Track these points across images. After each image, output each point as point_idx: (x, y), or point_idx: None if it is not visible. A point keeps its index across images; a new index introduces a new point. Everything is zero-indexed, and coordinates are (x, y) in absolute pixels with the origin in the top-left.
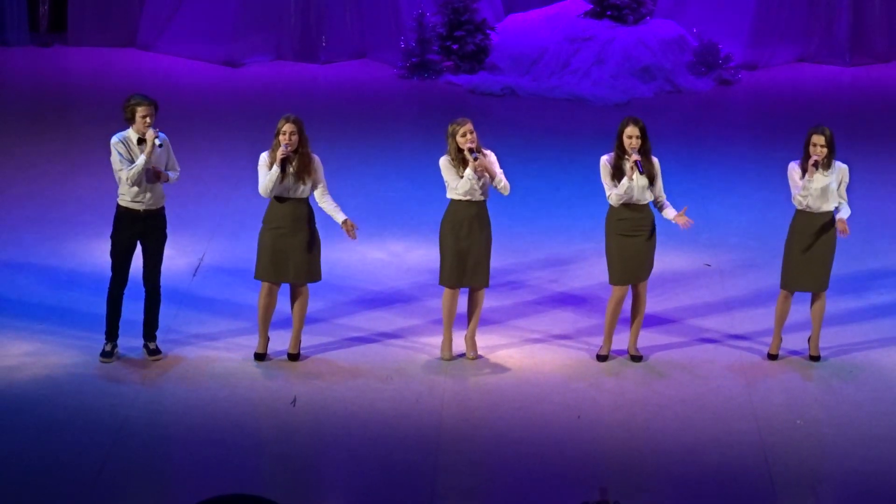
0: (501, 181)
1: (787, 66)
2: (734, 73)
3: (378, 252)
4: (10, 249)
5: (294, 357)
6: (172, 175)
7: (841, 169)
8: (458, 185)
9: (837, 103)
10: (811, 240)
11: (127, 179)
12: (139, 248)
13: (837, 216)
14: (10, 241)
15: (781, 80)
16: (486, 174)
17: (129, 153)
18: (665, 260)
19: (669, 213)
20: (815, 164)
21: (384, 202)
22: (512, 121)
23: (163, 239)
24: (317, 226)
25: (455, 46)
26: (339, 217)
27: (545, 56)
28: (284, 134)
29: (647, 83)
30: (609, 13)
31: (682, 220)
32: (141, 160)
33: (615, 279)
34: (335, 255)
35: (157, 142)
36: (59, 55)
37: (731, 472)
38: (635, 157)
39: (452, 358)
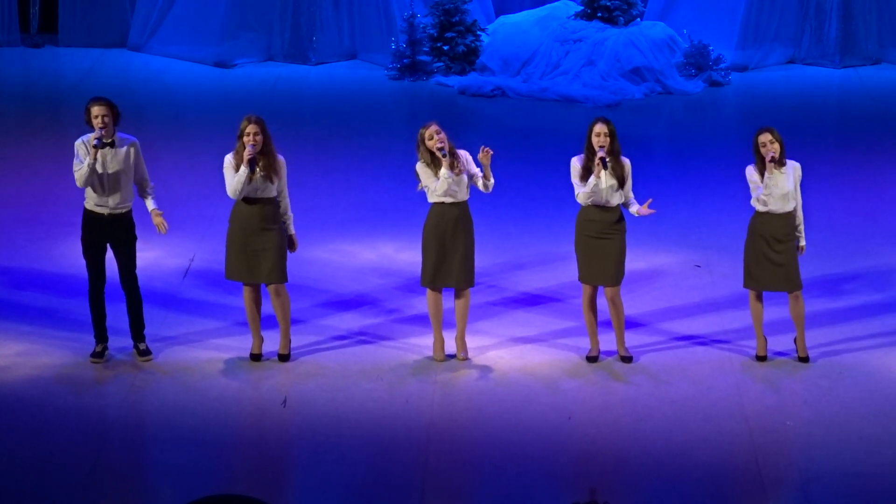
0: (490, 179)
1: (777, 67)
2: (725, 74)
3: (368, 253)
4: (1, 250)
5: (284, 358)
6: (151, 204)
7: (795, 167)
8: (436, 186)
9: (827, 105)
10: (772, 239)
11: (77, 180)
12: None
13: (800, 244)
14: (0, 242)
15: (772, 82)
16: (464, 172)
17: (86, 154)
18: (655, 261)
19: (634, 208)
20: (773, 160)
21: (374, 203)
22: (502, 122)
23: (131, 241)
24: (296, 229)
25: (446, 48)
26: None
27: (536, 57)
28: (248, 135)
29: (638, 84)
30: (600, 15)
31: (647, 211)
32: (85, 162)
33: (581, 276)
34: (326, 257)
35: (94, 142)
36: (49, 56)
37: (721, 472)
38: (601, 153)
39: (445, 359)
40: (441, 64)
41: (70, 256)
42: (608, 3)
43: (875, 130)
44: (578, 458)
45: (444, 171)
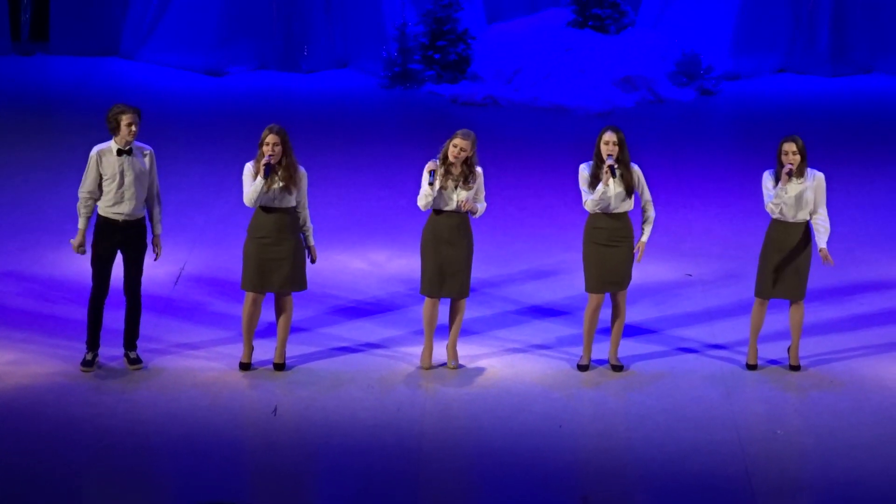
0: (480, 207)
1: (768, 76)
2: (716, 83)
3: (359, 261)
4: None
5: (280, 367)
6: (157, 229)
7: (817, 177)
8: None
9: (819, 114)
10: (786, 248)
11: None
12: (120, 257)
13: (819, 246)
14: None
15: (763, 91)
16: (472, 190)
17: (98, 168)
18: (646, 270)
19: (643, 237)
20: (790, 173)
21: (366, 211)
22: (494, 130)
23: (143, 248)
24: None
25: (437, 56)
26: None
27: (527, 66)
28: (268, 145)
29: (629, 93)
30: (591, 23)
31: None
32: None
33: (591, 287)
34: (317, 265)
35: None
36: (41, 64)
37: (712, 481)
38: (609, 162)
39: (432, 367)
40: (432, 72)
41: (61, 264)
42: (600, 12)
43: (866, 139)
44: (570, 467)
45: (426, 169)
